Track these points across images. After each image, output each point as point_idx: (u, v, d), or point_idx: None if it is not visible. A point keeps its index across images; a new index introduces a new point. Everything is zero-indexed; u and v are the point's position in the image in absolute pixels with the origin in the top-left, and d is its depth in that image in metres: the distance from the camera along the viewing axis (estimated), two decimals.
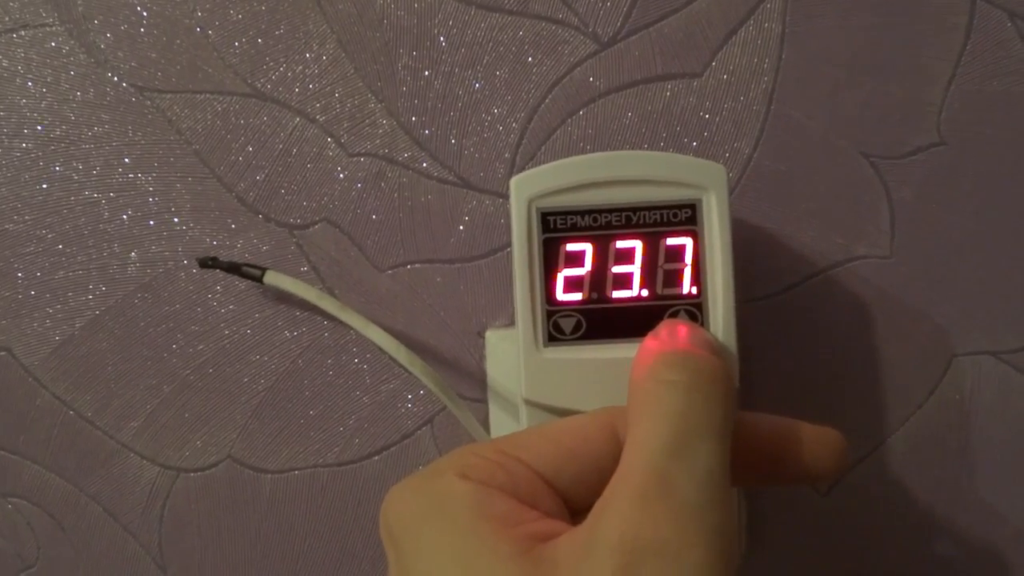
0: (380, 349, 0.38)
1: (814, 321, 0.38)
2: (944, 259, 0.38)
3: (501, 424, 0.37)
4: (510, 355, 0.37)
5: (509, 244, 0.38)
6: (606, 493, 0.22)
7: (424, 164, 0.38)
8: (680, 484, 0.21)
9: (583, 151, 0.38)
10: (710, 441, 0.22)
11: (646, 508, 0.21)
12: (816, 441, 0.26)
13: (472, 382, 0.38)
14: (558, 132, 0.37)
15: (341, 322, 0.36)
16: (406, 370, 0.37)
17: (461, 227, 0.38)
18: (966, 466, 0.38)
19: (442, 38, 0.37)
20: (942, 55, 0.37)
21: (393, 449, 0.38)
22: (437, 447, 0.38)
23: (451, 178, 0.38)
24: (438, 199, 0.38)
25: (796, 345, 0.38)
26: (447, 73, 0.37)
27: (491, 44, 0.37)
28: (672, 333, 0.26)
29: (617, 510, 0.21)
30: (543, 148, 0.38)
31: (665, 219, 0.29)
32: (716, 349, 0.26)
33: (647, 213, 0.29)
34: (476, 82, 0.37)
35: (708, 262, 0.28)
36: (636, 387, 0.24)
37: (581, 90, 0.37)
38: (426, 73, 0.37)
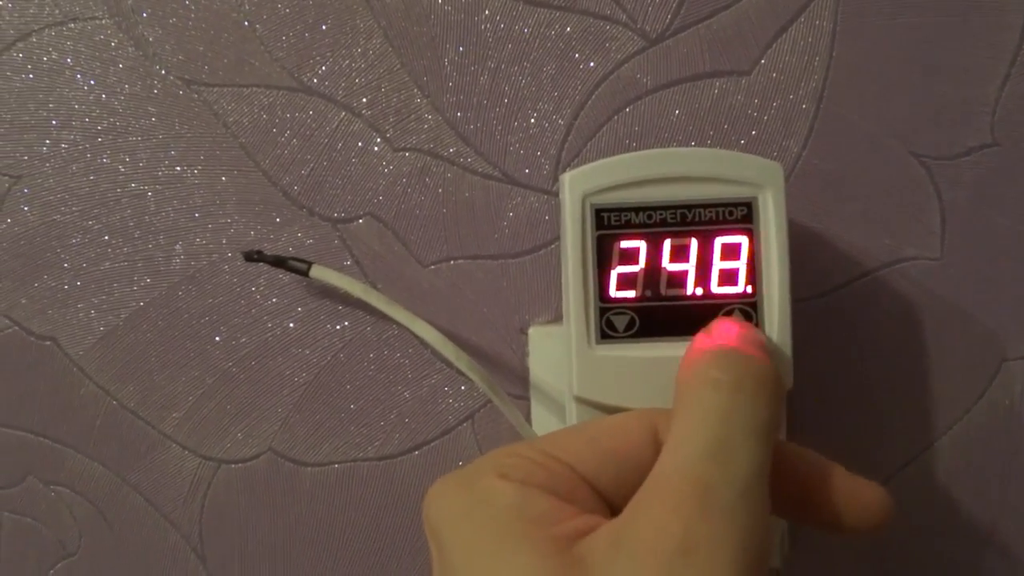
0: (423, 344, 0.37)
1: (861, 323, 0.37)
2: (995, 261, 0.37)
3: (543, 421, 0.37)
4: (553, 352, 0.36)
5: (553, 241, 0.38)
6: (640, 492, 0.22)
7: (469, 160, 0.38)
8: (715, 486, 0.21)
9: (629, 148, 0.37)
10: (750, 443, 0.22)
11: (678, 508, 0.21)
12: (856, 494, 0.24)
13: (514, 379, 0.38)
14: (604, 129, 0.37)
15: (385, 317, 0.36)
16: (451, 366, 0.37)
17: (505, 223, 0.38)
18: (1014, 473, 0.37)
19: (489, 33, 0.37)
20: (996, 55, 0.36)
21: (433, 444, 0.38)
22: (478, 443, 0.38)
23: (496, 174, 0.38)
24: (482, 195, 0.38)
25: (842, 347, 0.37)
26: (493, 68, 0.37)
27: (538, 40, 0.37)
28: (723, 330, 0.26)
29: (650, 510, 0.21)
30: (589, 145, 0.37)
31: (720, 217, 0.28)
32: (769, 349, 0.26)
33: (702, 211, 0.28)
34: (522, 78, 0.37)
35: (764, 261, 0.28)
36: (681, 385, 0.24)
37: (628, 87, 0.37)
38: (472, 68, 0.37)
